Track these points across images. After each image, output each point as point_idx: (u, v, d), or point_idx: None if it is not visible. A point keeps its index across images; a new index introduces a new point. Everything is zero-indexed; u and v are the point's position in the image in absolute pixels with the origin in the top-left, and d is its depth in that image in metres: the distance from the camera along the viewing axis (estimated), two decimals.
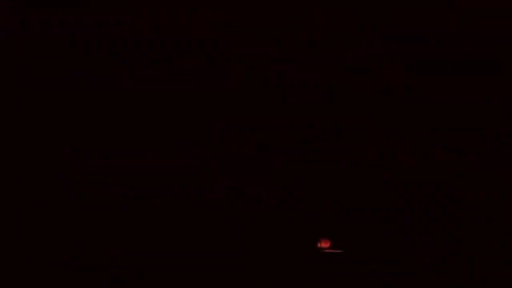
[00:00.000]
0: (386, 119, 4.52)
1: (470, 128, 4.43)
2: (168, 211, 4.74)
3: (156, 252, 4.66)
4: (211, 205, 4.70)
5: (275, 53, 4.54)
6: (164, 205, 4.76)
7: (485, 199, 4.42)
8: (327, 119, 4.66)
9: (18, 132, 4.76)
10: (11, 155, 4.78)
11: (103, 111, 4.74)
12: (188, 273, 4.58)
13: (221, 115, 4.68)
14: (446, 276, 4.38)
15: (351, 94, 4.62)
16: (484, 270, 4.34)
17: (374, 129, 4.62)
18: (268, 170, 4.71)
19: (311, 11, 4.07)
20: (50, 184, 4.75)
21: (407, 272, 4.44)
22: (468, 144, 4.49)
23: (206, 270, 4.55)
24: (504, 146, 4.44)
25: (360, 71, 4.39)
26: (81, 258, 4.66)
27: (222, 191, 4.70)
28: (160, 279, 4.61)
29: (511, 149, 4.45)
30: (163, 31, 4.10)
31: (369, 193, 4.57)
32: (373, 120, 4.56)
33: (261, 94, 4.76)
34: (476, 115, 4.43)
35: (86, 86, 4.54)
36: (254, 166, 4.72)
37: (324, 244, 4.75)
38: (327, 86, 4.56)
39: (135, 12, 3.93)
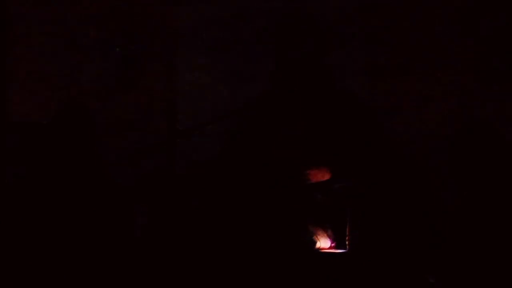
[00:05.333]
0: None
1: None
2: (168, 211, 4.74)
3: (156, 252, 4.67)
4: (210, 204, 4.71)
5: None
6: (163, 204, 4.76)
7: (485, 199, 4.43)
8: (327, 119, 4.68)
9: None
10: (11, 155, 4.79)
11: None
12: (188, 273, 4.58)
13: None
14: (446, 276, 4.39)
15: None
16: (484, 270, 4.35)
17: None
18: (267, 169, 4.71)
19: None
20: (51, 184, 4.76)
21: (407, 272, 4.45)
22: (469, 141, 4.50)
23: (206, 270, 4.55)
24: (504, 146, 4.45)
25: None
26: (81, 257, 4.67)
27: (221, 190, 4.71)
28: (160, 279, 4.61)
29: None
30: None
31: (369, 193, 4.57)
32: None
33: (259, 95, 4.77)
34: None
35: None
36: (253, 165, 4.73)
37: (324, 244, 4.75)
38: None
39: None
